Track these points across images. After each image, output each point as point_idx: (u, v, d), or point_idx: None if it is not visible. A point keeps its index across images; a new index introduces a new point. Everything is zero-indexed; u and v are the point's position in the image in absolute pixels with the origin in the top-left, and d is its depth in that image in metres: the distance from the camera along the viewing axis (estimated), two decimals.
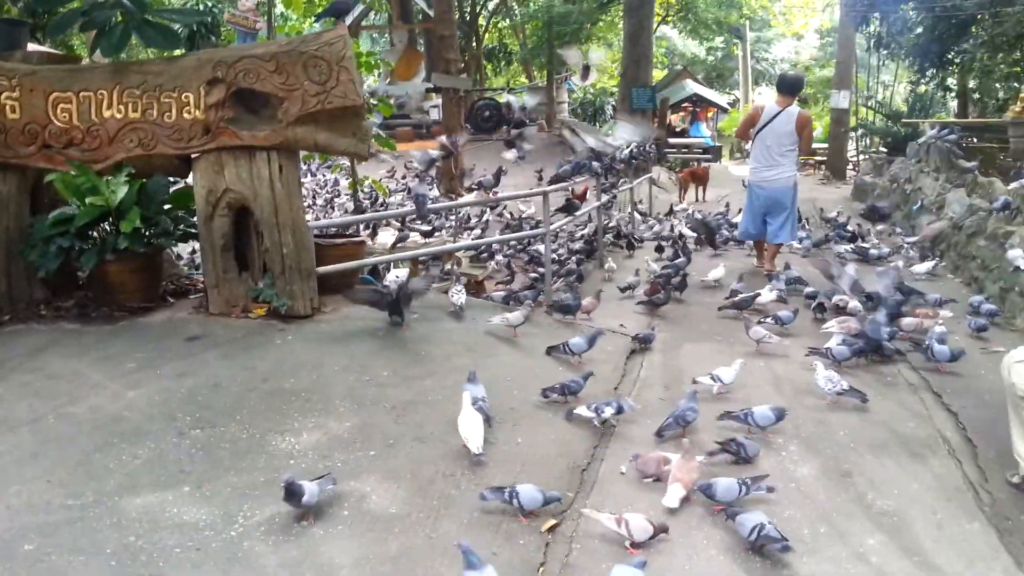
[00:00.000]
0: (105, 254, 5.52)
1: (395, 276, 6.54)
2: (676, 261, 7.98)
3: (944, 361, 5.25)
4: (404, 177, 16.41)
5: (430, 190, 8.23)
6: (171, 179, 5.96)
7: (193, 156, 5.53)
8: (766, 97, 41.22)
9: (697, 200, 15.69)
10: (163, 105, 5.42)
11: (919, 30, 15.62)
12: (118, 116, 5.48)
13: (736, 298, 6.60)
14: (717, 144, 26.20)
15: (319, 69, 5.18)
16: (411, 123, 24.07)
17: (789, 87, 8.03)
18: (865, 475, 3.87)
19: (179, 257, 8.30)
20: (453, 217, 9.56)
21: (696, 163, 21.68)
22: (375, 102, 7.44)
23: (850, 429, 4.40)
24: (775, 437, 4.21)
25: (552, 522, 3.33)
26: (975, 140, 12.88)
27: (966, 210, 9.00)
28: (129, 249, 5.49)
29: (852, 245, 9.54)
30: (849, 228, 10.80)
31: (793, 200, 8.08)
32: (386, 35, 29.99)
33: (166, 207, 5.93)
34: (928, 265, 8.47)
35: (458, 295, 6.30)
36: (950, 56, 15.45)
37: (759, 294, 6.56)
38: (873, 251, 9.09)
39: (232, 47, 5.50)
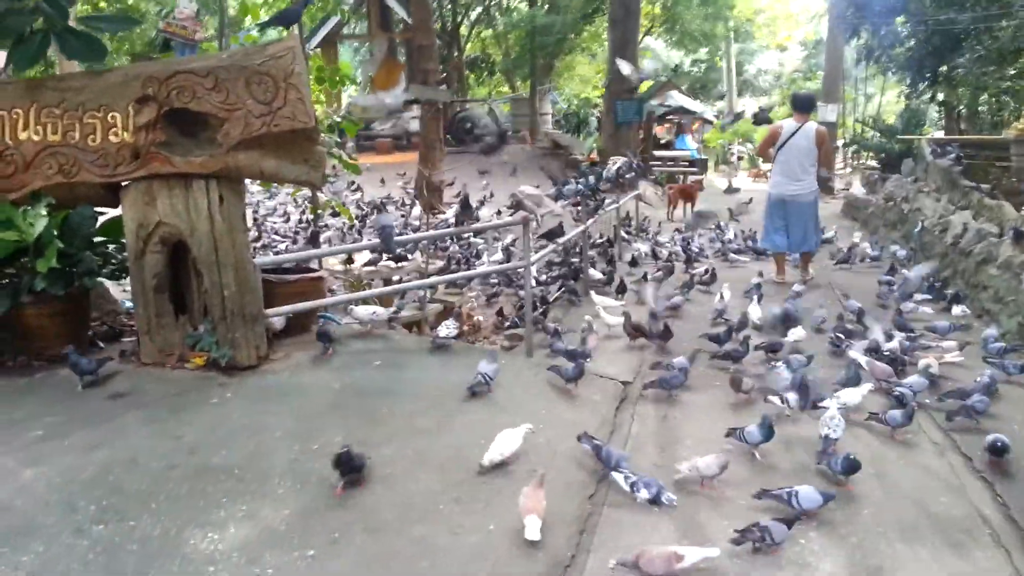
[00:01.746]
0: (20, 297, 4.82)
1: (371, 312, 5.86)
2: (673, 299, 7.33)
3: (980, 413, 4.63)
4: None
5: (395, 220, 7.58)
6: (101, 209, 5.27)
7: (123, 184, 4.85)
8: (750, 107, 41.07)
9: (687, 217, 15.13)
10: (86, 126, 4.74)
11: (911, 43, 15.17)
12: (35, 139, 4.78)
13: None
14: (703, 157, 25.67)
15: (264, 87, 4.52)
16: (391, 134, 23.47)
17: (804, 105, 8.47)
18: (899, 572, 3.25)
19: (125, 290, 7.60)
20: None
21: (683, 177, 21.17)
22: (338, 119, 6.76)
23: (875, 506, 3.77)
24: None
25: None
26: (974, 158, 12.37)
27: (973, 235, 8.46)
28: (47, 291, 4.80)
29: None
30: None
31: (815, 211, 8.62)
32: (365, 44, 29.45)
33: (94, 241, 5.23)
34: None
35: (446, 329, 5.70)
36: (943, 70, 15.00)
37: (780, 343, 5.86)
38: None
39: (165, 60, 4.83)
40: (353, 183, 14.91)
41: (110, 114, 4.68)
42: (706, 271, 8.70)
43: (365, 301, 6.17)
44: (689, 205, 15.31)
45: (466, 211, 5.65)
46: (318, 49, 23.44)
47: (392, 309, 6.97)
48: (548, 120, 27.53)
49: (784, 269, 8.83)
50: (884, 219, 12.60)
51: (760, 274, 8.35)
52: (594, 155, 18.81)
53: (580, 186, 8.56)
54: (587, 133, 23.55)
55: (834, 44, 20.02)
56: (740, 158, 30.55)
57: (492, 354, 5.03)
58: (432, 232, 6.40)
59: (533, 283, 8.53)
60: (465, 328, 8.32)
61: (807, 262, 8.84)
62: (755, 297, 7.06)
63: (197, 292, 4.98)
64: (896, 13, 15.23)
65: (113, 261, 5.36)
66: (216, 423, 4.27)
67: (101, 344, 5.43)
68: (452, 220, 8.03)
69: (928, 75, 15.42)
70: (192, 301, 5.06)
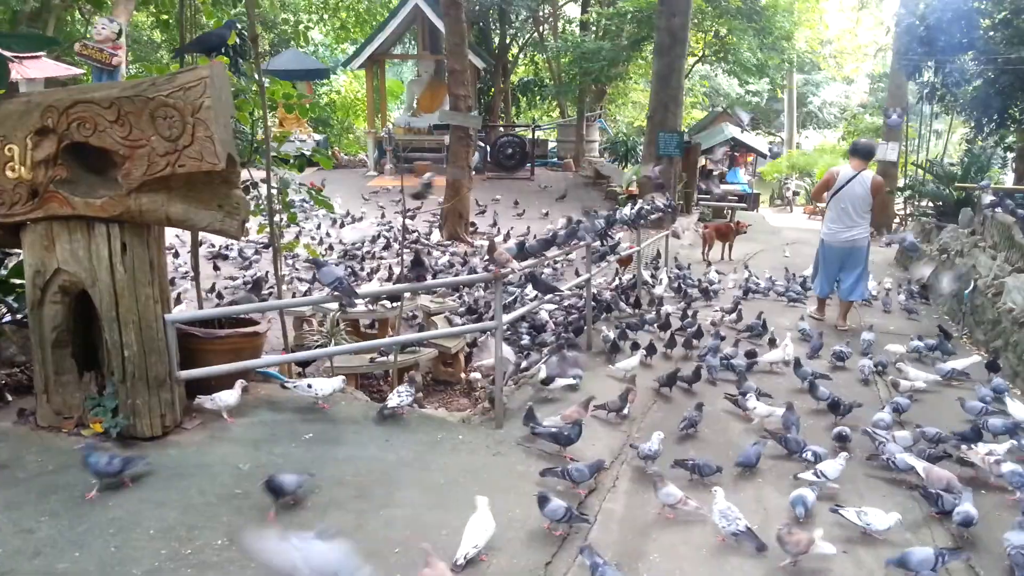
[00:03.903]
0: None
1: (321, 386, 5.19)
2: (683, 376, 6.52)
3: None
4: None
5: (346, 272, 6.93)
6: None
7: (26, 224, 4.31)
8: (813, 140, 39.73)
9: (723, 258, 14.20)
10: None
11: (978, 82, 14.04)
12: None
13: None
14: (755, 191, 24.62)
15: (170, 121, 3.93)
16: (432, 157, 23.04)
17: (863, 153, 8.55)
18: None
19: None
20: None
21: (731, 213, 20.20)
22: (301, 150, 6.18)
23: None
24: None
25: None
26: None
27: None
28: None
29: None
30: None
31: (867, 258, 8.68)
32: (411, 64, 29.24)
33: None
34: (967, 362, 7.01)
35: (397, 397, 5.04)
36: (1012, 112, 13.84)
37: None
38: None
39: (68, 88, 4.29)
40: (343, 217, 14.37)
41: (7, 146, 4.14)
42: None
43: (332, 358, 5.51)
44: (727, 246, 14.38)
45: (417, 268, 4.97)
46: (360, 68, 23.30)
47: (373, 357, 6.36)
48: (595, 147, 26.81)
49: (824, 310, 9.06)
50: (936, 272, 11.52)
51: (802, 317, 8.54)
52: (633, 188, 18.00)
53: (597, 226, 7.87)
54: (634, 162, 22.70)
55: (897, 81, 18.84)
56: (796, 193, 29.34)
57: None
58: (386, 287, 5.74)
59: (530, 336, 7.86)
60: (459, 377, 7.66)
61: (847, 310, 8.85)
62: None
63: (105, 348, 4.40)
64: (963, 50, 14.13)
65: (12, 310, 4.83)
66: (84, 512, 3.66)
67: (9, 398, 4.89)
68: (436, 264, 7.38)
69: (995, 116, 14.25)
70: (103, 358, 4.48)
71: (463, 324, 7.72)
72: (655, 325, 7.98)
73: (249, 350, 5.07)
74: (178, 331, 4.56)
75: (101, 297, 4.20)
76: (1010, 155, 17.13)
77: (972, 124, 15.29)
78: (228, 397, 4.66)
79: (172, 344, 4.36)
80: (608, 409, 5.40)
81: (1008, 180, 17.87)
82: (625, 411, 5.46)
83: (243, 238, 5.76)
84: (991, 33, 13.53)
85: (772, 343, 7.66)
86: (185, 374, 4.45)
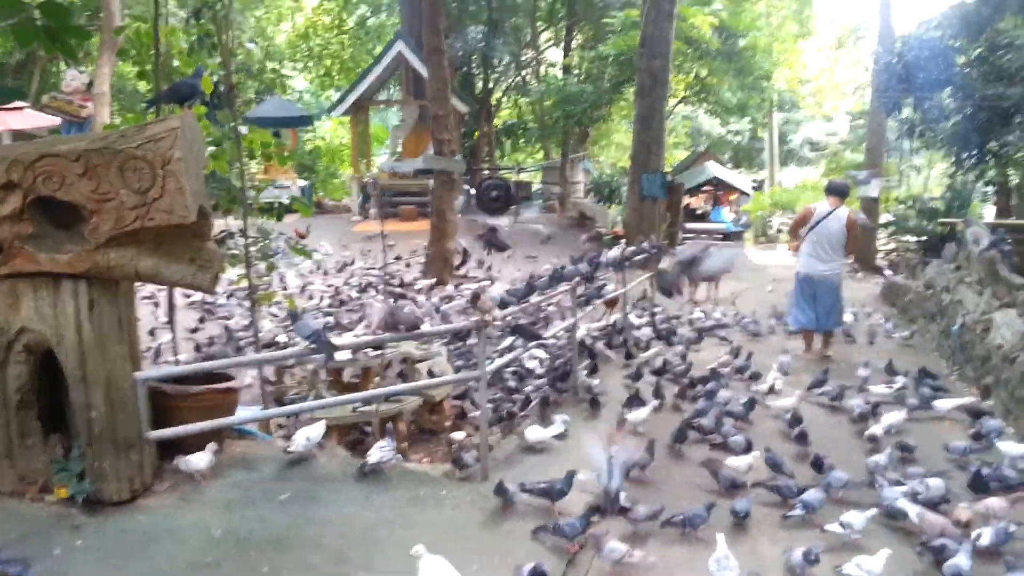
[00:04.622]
0: None
1: (305, 438, 5.03)
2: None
3: None
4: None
5: (324, 325, 6.78)
6: None
7: None
8: (794, 177, 40.05)
9: (709, 298, 14.15)
10: None
11: (957, 118, 14.15)
12: None
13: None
14: (739, 229, 24.71)
15: (140, 174, 3.82)
16: (416, 201, 23.03)
17: (838, 192, 8.96)
18: None
19: None
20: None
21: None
22: (279, 199, 6.09)
23: None
24: None
25: None
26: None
27: (1020, 340, 7.39)
28: None
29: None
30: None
31: (840, 290, 9.09)
32: (395, 109, 29.41)
33: None
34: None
35: (379, 452, 4.86)
36: (991, 148, 13.93)
37: None
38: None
39: (36, 141, 4.19)
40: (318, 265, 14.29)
41: None
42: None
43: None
44: (713, 285, 14.34)
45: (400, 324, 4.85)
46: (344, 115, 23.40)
47: (356, 407, 6.18)
48: (580, 189, 26.91)
49: (812, 344, 9.26)
50: (922, 308, 11.47)
51: (785, 351, 8.75)
52: (618, 228, 18.02)
53: (580, 269, 7.78)
54: (618, 203, 22.80)
55: (877, 117, 19.07)
56: (780, 231, 29.48)
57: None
58: (367, 338, 5.61)
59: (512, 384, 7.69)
60: (445, 426, 7.48)
61: (828, 341, 9.22)
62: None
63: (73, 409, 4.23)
64: (941, 87, 14.26)
65: None
66: None
67: None
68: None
69: (975, 152, 14.33)
70: (71, 420, 4.31)
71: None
72: (651, 372, 7.83)
73: (224, 407, 4.90)
74: (149, 389, 4.41)
75: (67, 356, 4.05)
76: (991, 189, 17.24)
77: (952, 159, 15.37)
78: (198, 461, 4.47)
79: (142, 403, 4.20)
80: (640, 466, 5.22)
81: (989, 214, 17.99)
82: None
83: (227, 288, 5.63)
84: (968, 70, 13.66)
85: (755, 377, 7.67)
86: (156, 434, 4.28)
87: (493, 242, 8.81)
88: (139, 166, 3.82)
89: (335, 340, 5.19)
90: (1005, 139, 13.35)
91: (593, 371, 7.48)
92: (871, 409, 6.59)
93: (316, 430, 5.06)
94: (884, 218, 20.03)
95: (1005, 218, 15.21)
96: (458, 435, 6.35)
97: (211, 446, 4.54)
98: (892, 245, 19.12)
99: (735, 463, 5.20)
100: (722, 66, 20.57)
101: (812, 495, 4.58)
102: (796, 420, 6.14)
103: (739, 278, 15.79)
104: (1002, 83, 12.50)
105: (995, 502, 4.59)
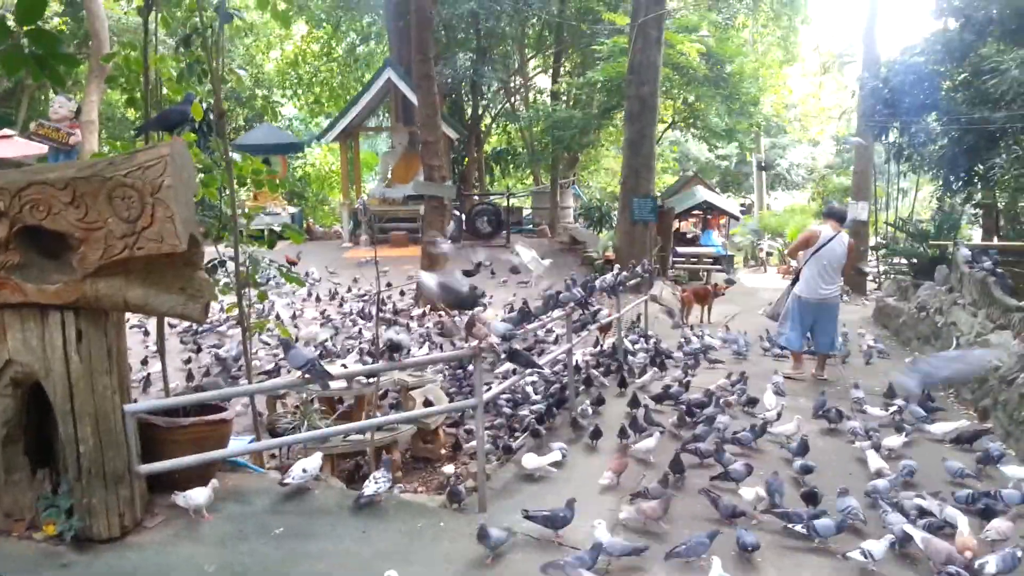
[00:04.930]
0: None
1: (302, 470, 4.94)
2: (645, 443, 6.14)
3: None
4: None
5: (314, 352, 6.70)
6: None
7: None
8: (779, 201, 40.29)
9: (702, 321, 14.13)
10: None
11: (943, 142, 14.28)
12: None
13: None
14: (729, 253, 24.76)
15: (128, 202, 3.75)
16: (407, 227, 23.01)
17: (838, 216, 9.26)
18: None
19: None
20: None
21: (706, 275, 20.33)
22: (271, 226, 6.03)
23: None
24: None
25: None
26: (1015, 265, 11.26)
27: (1016, 361, 7.36)
28: None
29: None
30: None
31: (838, 312, 9.31)
32: (385, 136, 29.47)
33: None
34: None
35: (374, 484, 4.76)
36: (978, 170, 14.04)
37: None
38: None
39: (22, 169, 4.11)
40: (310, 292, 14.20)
41: None
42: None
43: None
44: (705, 308, 14.33)
45: (393, 351, 4.77)
46: (334, 142, 23.43)
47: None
48: (570, 214, 26.95)
49: (802, 364, 9.37)
50: (916, 331, 11.46)
51: (776, 372, 8.78)
52: (609, 253, 18.00)
53: (576, 294, 7.71)
54: (609, 227, 22.83)
55: (864, 141, 19.26)
56: (769, 254, 29.58)
57: None
58: (360, 368, 5.52)
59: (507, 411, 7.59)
60: (440, 454, 7.36)
61: (823, 362, 9.31)
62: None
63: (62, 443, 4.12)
64: (927, 111, 14.42)
65: None
66: None
67: None
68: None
69: (962, 175, 14.45)
70: (59, 454, 4.20)
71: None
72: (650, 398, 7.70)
73: (216, 438, 4.79)
74: (139, 421, 4.30)
75: (55, 389, 3.95)
76: (978, 211, 17.38)
77: (940, 183, 15.49)
78: (198, 496, 4.36)
79: (131, 437, 4.09)
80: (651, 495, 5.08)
81: (976, 236, 18.09)
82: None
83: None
84: (953, 94, 13.81)
85: (752, 402, 7.57)
86: (146, 468, 4.17)
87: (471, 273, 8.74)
88: (128, 194, 3.75)
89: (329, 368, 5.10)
90: (992, 162, 13.45)
91: (599, 403, 7.29)
92: (869, 432, 6.54)
93: (313, 462, 4.96)
94: (872, 241, 20.15)
95: (992, 239, 15.31)
96: (448, 469, 6.24)
97: (213, 482, 4.43)
98: (883, 268, 19.17)
99: (743, 494, 5.04)
100: (709, 92, 20.70)
101: (823, 523, 4.50)
102: (804, 448, 5.92)
103: (733, 301, 15.78)
104: (987, 107, 12.63)
105: (1000, 524, 4.54)
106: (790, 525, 4.63)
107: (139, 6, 5.20)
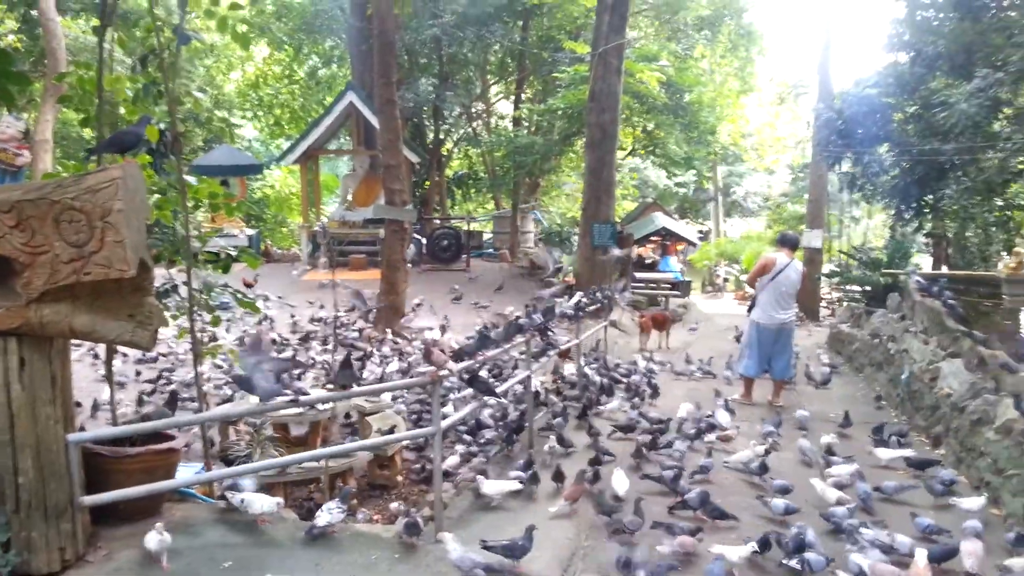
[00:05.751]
0: None
1: (262, 503, 4.76)
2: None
3: None
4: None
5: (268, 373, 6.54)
6: None
7: None
8: (735, 227, 41.01)
9: (660, 347, 14.21)
10: None
11: (895, 172, 14.65)
12: None
13: None
14: (687, 279, 25.02)
15: (77, 226, 3.65)
16: (366, 251, 22.87)
17: (791, 243, 9.48)
18: None
19: None
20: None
21: (665, 300, 20.48)
22: (226, 250, 5.92)
23: None
24: None
25: None
26: (963, 293, 11.53)
27: (967, 389, 7.50)
28: None
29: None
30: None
31: (793, 338, 9.58)
32: (346, 159, 29.35)
33: None
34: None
35: (328, 514, 4.64)
36: (929, 200, 14.42)
37: None
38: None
39: None
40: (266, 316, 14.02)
41: None
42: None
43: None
44: (664, 334, 14.42)
45: (346, 371, 4.70)
46: (294, 164, 23.26)
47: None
48: (530, 238, 27.05)
49: (752, 392, 9.51)
50: (870, 357, 11.66)
51: (717, 392, 9.15)
52: (569, 278, 18.07)
53: (533, 321, 7.69)
54: (569, 252, 22.95)
55: (818, 170, 19.70)
56: (726, 280, 29.97)
57: None
58: (314, 395, 5.39)
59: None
60: (396, 481, 7.24)
61: (780, 389, 9.47)
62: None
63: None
64: (879, 142, 14.80)
65: None
66: None
67: None
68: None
69: (914, 205, 14.83)
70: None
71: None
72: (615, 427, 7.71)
73: (164, 468, 4.65)
74: (84, 451, 4.16)
75: None
76: (930, 240, 17.80)
77: (892, 212, 15.87)
78: (149, 542, 4.11)
79: (75, 467, 3.95)
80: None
81: (926, 265, 18.53)
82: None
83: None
84: (905, 126, 14.19)
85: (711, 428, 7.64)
86: (90, 500, 4.03)
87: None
88: (76, 217, 3.65)
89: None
90: (942, 192, 13.84)
91: (561, 441, 6.98)
92: (824, 457, 6.63)
93: (268, 503, 4.78)
94: (826, 268, 20.54)
95: (941, 268, 15.71)
96: (394, 505, 6.08)
97: (158, 526, 4.19)
98: (837, 295, 19.54)
99: (731, 554, 4.66)
100: (669, 120, 21.07)
101: (815, 557, 4.48)
102: (764, 468, 6.18)
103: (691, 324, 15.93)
104: (938, 139, 13.00)
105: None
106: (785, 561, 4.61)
107: (96, 25, 5.11)
